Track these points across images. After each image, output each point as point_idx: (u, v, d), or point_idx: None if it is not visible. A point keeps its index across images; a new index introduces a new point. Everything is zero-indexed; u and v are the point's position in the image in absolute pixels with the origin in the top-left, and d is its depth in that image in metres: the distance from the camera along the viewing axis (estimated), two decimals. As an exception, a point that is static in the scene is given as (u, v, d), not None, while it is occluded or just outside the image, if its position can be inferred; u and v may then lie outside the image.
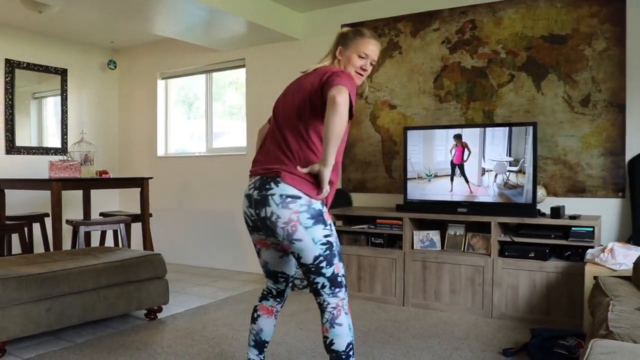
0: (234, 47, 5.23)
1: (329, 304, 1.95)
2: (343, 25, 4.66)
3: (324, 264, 1.91)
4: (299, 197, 1.87)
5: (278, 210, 1.86)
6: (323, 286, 1.94)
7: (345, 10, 4.68)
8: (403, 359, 2.82)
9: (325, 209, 1.95)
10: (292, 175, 1.88)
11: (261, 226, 1.96)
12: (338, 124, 1.74)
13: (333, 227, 1.98)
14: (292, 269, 2.19)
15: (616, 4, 3.60)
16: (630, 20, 3.57)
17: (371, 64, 2.12)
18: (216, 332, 3.28)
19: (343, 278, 1.97)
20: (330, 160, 1.81)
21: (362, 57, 2.08)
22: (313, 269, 1.92)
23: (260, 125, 2.51)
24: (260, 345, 2.21)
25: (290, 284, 2.20)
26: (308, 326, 3.38)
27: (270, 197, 1.88)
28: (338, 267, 1.95)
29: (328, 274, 1.92)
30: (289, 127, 1.97)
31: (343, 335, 1.94)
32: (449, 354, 2.89)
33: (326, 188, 1.89)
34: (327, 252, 1.91)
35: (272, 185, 1.89)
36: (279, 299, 2.21)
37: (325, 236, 1.91)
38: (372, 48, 2.09)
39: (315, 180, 1.89)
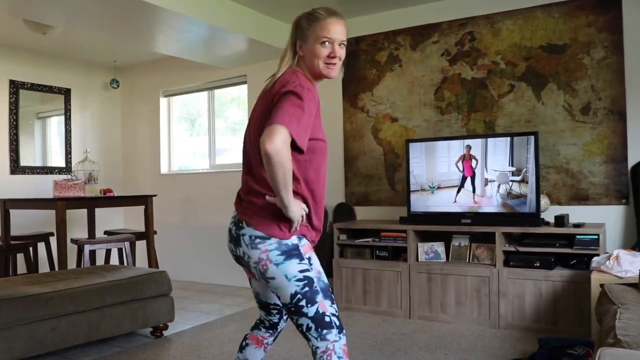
0: (235, 64, 5.27)
1: (317, 348, 1.72)
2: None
3: (303, 303, 1.70)
4: (268, 238, 1.70)
5: (248, 250, 1.72)
6: (308, 328, 1.72)
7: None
8: (410, 371, 2.80)
9: (303, 242, 1.76)
10: (258, 219, 1.71)
11: (240, 263, 1.82)
12: (277, 176, 1.55)
13: (315, 261, 1.81)
14: None
15: (613, 12, 3.63)
16: (627, 28, 3.60)
17: (340, 45, 1.80)
18: (222, 348, 3.27)
19: (334, 318, 1.74)
20: (287, 203, 1.62)
21: (325, 44, 1.76)
22: (293, 309, 1.72)
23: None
24: None
25: (285, 317, 1.99)
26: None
27: (241, 238, 1.73)
28: (324, 306, 1.73)
29: (311, 314, 1.71)
30: (256, 155, 1.73)
31: None
32: (456, 366, 2.87)
33: (295, 224, 1.70)
34: (306, 288, 1.71)
35: (244, 224, 1.73)
36: (271, 331, 2.01)
37: (302, 271, 1.71)
38: (334, 29, 1.77)
39: (284, 217, 1.69)
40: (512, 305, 3.53)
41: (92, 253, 4.88)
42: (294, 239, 1.73)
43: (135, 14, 3.78)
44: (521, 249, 3.53)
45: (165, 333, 3.59)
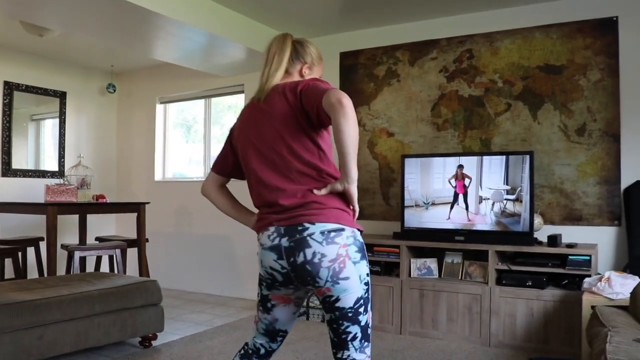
0: (233, 72, 5.28)
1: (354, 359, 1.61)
2: (342, 54, 4.73)
3: (362, 309, 1.60)
4: (343, 229, 1.59)
5: (322, 248, 1.56)
6: (354, 337, 1.60)
7: (343, 38, 4.74)
8: (401, 389, 2.78)
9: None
10: (325, 211, 1.59)
11: (295, 276, 1.61)
12: (353, 129, 1.50)
13: None
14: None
15: (610, 36, 3.67)
16: (622, 52, 3.64)
17: None
18: (211, 360, 3.23)
19: (370, 332, 1.67)
20: (354, 173, 1.55)
21: None
22: (350, 314, 1.59)
23: None
24: None
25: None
26: (304, 355, 3.34)
27: (308, 238, 1.56)
28: (370, 316, 1.65)
29: (362, 322, 1.61)
30: (287, 154, 1.65)
31: None
32: (447, 385, 2.85)
33: (357, 208, 1.65)
34: (367, 294, 1.62)
35: (306, 225, 1.58)
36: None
37: (368, 274, 1.65)
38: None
39: (345, 203, 1.63)
40: (504, 323, 3.52)
41: (83, 259, 4.83)
42: (360, 236, 1.66)
43: (135, 20, 3.78)
44: (514, 267, 3.53)
45: (154, 343, 3.55)
